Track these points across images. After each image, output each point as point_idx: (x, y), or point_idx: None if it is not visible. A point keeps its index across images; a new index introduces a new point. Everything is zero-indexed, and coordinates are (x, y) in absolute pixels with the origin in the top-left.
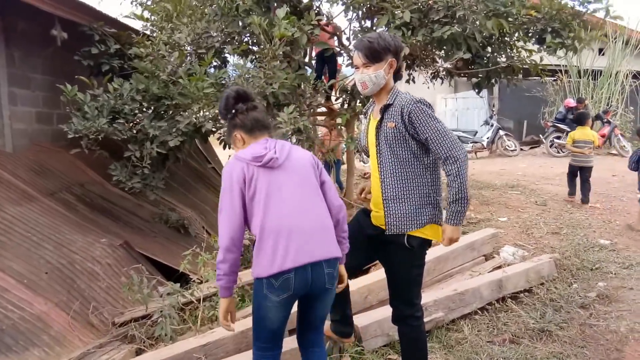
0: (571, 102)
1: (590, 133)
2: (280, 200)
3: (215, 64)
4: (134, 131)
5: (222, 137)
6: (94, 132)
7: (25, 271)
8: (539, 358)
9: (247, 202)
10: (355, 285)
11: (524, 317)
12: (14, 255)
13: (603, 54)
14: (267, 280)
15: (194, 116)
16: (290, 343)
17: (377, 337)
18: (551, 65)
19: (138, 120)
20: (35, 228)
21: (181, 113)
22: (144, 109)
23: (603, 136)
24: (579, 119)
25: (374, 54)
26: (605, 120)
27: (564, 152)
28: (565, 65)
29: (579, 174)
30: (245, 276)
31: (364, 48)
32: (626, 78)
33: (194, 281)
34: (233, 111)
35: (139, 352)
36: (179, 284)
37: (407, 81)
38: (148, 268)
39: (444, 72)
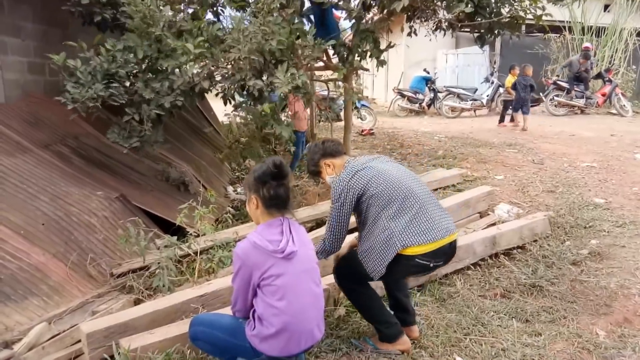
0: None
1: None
2: (292, 293)
3: (209, 18)
4: (130, 94)
5: (219, 93)
6: (91, 99)
7: (22, 222)
8: (529, 312)
9: (259, 284)
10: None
11: (516, 273)
12: (10, 206)
13: (608, 11)
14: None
15: (187, 75)
16: None
17: None
18: (555, 21)
19: (133, 82)
20: (30, 180)
21: (175, 72)
22: (137, 68)
23: (603, 95)
24: (509, 68)
25: (312, 172)
26: (606, 79)
27: (563, 111)
28: (569, 22)
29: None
30: (242, 230)
31: (307, 172)
32: (630, 36)
33: (190, 234)
34: (263, 182)
35: (137, 302)
36: (176, 237)
37: (409, 34)
38: (145, 221)
39: (446, 24)
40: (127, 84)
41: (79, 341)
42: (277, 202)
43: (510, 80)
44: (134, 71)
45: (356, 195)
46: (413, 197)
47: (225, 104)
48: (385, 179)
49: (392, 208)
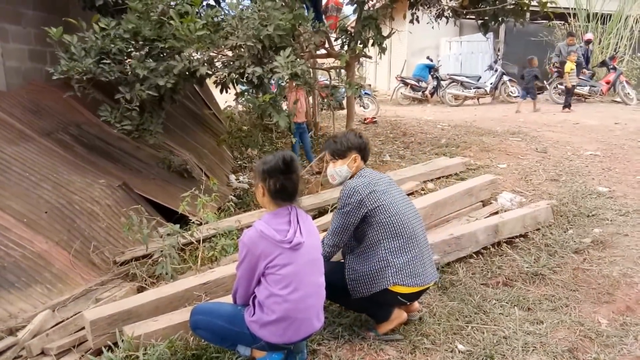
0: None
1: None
2: (296, 283)
3: (207, 2)
4: (124, 73)
5: (217, 81)
6: (80, 72)
7: (25, 210)
8: (531, 300)
9: (264, 272)
10: None
11: (519, 261)
12: (13, 195)
13: None
14: (269, 343)
15: (187, 60)
16: None
17: None
18: (559, 8)
19: (128, 60)
20: (33, 168)
21: (175, 57)
22: (136, 51)
23: (608, 83)
24: (567, 53)
25: (337, 152)
26: (611, 66)
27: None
28: (574, 9)
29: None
30: (245, 219)
31: (329, 148)
32: (636, 23)
33: (193, 223)
34: (270, 174)
35: (140, 290)
36: (178, 225)
37: (411, 21)
38: (147, 209)
39: (449, 12)
40: (120, 61)
41: (83, 328)
42: (283, 195)
43: (570, 66)
44: (128, 50)
45: (365, 212)
46: (415, 240)
47: (221, 92)
48: (397, 212)
49: (395, 243)
